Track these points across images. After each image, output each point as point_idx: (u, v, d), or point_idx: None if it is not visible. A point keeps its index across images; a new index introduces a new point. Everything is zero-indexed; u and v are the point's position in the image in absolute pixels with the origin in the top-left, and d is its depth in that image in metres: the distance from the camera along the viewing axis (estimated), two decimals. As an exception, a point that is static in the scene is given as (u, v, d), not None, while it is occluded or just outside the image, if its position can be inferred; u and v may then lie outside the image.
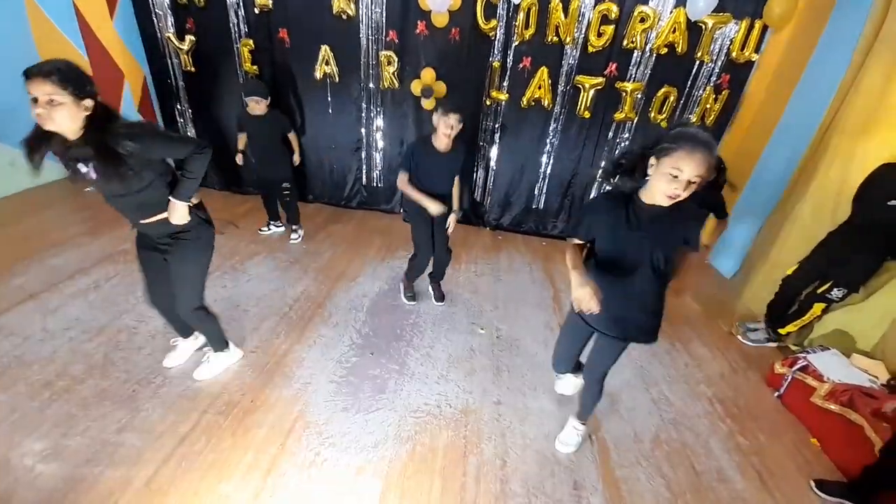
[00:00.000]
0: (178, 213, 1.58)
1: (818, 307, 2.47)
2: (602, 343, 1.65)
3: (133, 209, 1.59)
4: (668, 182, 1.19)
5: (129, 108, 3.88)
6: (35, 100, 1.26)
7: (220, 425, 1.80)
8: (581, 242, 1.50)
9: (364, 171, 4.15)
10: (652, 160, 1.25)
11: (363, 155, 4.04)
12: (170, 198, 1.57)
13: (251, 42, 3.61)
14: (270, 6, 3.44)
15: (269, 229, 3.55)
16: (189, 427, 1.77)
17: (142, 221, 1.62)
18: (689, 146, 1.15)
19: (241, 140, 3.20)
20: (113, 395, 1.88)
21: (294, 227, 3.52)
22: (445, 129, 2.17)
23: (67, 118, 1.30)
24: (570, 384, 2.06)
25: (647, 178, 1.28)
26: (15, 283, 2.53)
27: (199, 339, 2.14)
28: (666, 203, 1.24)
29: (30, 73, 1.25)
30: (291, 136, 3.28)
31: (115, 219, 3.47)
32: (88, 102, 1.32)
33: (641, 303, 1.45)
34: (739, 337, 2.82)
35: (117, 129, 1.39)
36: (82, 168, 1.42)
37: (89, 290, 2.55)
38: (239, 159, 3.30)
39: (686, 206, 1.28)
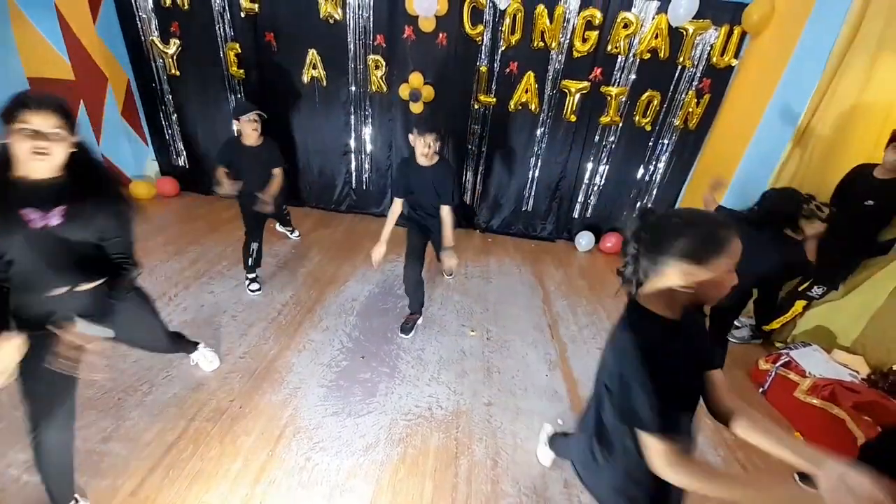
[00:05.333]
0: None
1: (799, 304, 2.54)
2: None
3: (57, 270, 1.22)
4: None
5: (112, 113, 3.83)
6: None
7: (209, 433, 1.78)
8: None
9: (353, 175, 4.15)
10: None
11: (352, 159, 4.05)
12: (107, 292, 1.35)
13: (237, 46, 3.60)
14: (257, 10, 3.43)
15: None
16: (176, 435, 1.75)
17: (55, 291, 1.24)
18: None
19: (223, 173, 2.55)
20: (98, 403, 1.85)
21: (289, 229, 3.68)
22: (423, 149, 2.15)
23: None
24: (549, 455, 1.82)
25: None
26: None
27: None
28: None
29: None
30: (278, 171, 2.65)
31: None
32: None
33: None
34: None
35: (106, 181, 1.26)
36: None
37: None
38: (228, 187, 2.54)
39: None
